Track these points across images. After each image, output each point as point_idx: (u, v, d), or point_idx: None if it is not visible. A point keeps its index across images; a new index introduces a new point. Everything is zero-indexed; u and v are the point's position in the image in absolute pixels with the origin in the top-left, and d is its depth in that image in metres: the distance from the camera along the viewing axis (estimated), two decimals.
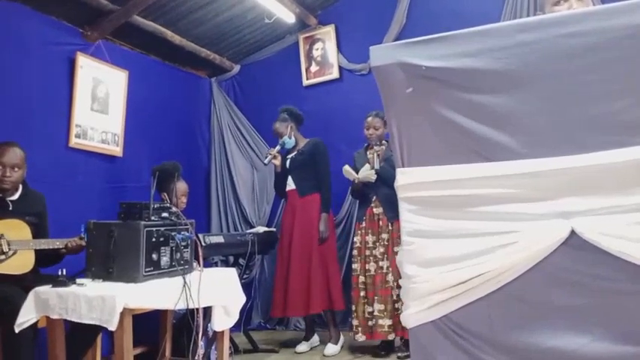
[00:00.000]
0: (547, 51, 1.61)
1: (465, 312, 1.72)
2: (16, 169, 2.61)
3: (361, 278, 3.58)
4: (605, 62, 1.54)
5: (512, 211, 1.66)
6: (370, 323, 3.48)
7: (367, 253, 3.60)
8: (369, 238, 3.61)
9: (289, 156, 3.97)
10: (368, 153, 3.77)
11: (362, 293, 3.56)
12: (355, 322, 3.55)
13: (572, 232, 1.57)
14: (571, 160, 1.57)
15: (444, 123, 1.75)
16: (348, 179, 3.78)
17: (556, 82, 1.61)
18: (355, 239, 3.70)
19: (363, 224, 3.65)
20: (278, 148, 3.93)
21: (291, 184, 3.93)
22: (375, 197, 3.63)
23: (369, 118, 3.73)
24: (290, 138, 3.93)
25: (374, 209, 3.63)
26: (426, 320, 1.77)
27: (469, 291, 1.70)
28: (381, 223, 3.58)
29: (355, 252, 3.67)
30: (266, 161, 3.89)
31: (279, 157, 3.91)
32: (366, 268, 3.58)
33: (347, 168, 3.67)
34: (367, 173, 3.57)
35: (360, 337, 3.52)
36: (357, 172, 3.65)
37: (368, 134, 3.73)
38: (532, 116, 1.64)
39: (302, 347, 3.78)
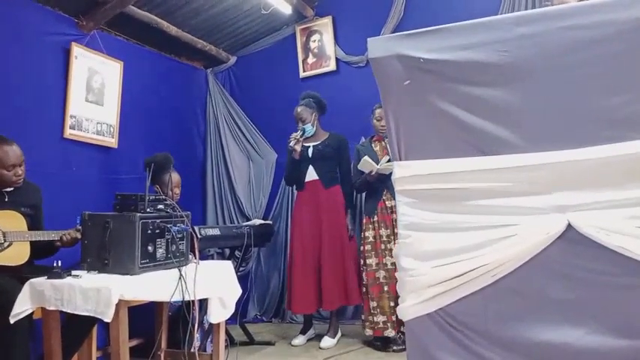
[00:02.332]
0: (545, 44, 1.60)
1: (461, 305, 1.72)
2: (22, 165, 2.62)
3: (381, 273, 3.52)
4: (603, 57, 1.54)
5: (508, 204, 1.66)
6: (394, 318, 3.42)
7: (382, 247, 3.54)
8: (383, 232, 3.56)
9: (310, 145, 3.86)
10: (374, 145, 3.73)
11: (385, 288, 3.50)
12: (382, 319, 3.47)
13: (569, 226, 1.58)
14: (568, 154, 1.57)
15: (442, 116, 1.74)
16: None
17: (554, 75, 1.61)
18: (367, 234, 3.61)
19: (375, 218, 3.59)
20: (300, 133, 3.81)
21: (313, 175, 3.83)
22: (386, 190, 3.59)
23: (379, 110, 3.64)
24: (312, 126, 3.84)
25: (386, 202, 3.58)
26: (422, 313, 1.77)
27: (465, 284, 1.71)
28: (394, 216, 3.49)
29: (369, 247, 3.59)
30: (292, 144, 3.74)
31: (300, 143, 3.80)
32: (384, 262, 3.53)
33: (367, 159, 3.56)
34: (387, 165, 3.50)
35: (390, 333, 3.45)
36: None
37: (380, 125, 3.65)
38: (530, 110, 1.64)
39: (298, 340, 3.78)
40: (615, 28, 1.50)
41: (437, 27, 1.76)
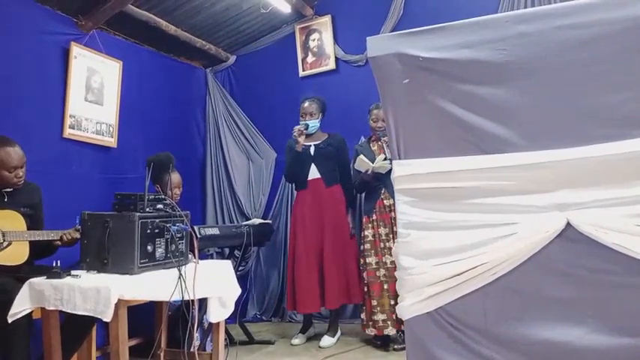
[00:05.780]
0: (544, 43, 1.60)
1: (461, 304, 1.72)
2: (24, 166, 2.62)
3: (381, 271, 3.52)
4: (601, 55, 1.54)
5: (508, 203, 1.66)
6: (394, 316, 3.41)
7: (382, 245, 3.54)
8: (382, 231, 3.56)
9: (312, 144, 3.86)
10: (372, 144, 3.73)
11: (385, 286, 3.49)
12: (382, 317, 3.47)
13: (568, 225, 1.58)
14: (568, 152, 1.57)
15: (441, 115, 1.74)
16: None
17: (554, 74, 1.61)
18: (366, 232, 3.61)
19: (374, 217, 3.59)
20: (304, 126, 3.79)
21: (315, 173, 3.83)
22: (384, 189, 3.59)
23: (376, 110, 3.63)
24: (317, 123, 3.85)
25: (384, 201, 3.58)
26: (421, 312, 1.77)
27: (465, 283, 1.71)
28: (393, 214, 3.49)
29: (368, 245, 3.59)
30: (296, 134, 3.73)
31: (304, 136, 3.79)
32: (383, 260, 3.53)
33: (363, 157, 3.56)
34: (382, 163, 3.50)
35: (391, 331, 3.45)
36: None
37: (377, 127, 3.64)
38: (529, 108, 1.64)
39: (298, 339, 3.78)
40: (614, 27, 1.50)
41: (436, 25, 1.76)
